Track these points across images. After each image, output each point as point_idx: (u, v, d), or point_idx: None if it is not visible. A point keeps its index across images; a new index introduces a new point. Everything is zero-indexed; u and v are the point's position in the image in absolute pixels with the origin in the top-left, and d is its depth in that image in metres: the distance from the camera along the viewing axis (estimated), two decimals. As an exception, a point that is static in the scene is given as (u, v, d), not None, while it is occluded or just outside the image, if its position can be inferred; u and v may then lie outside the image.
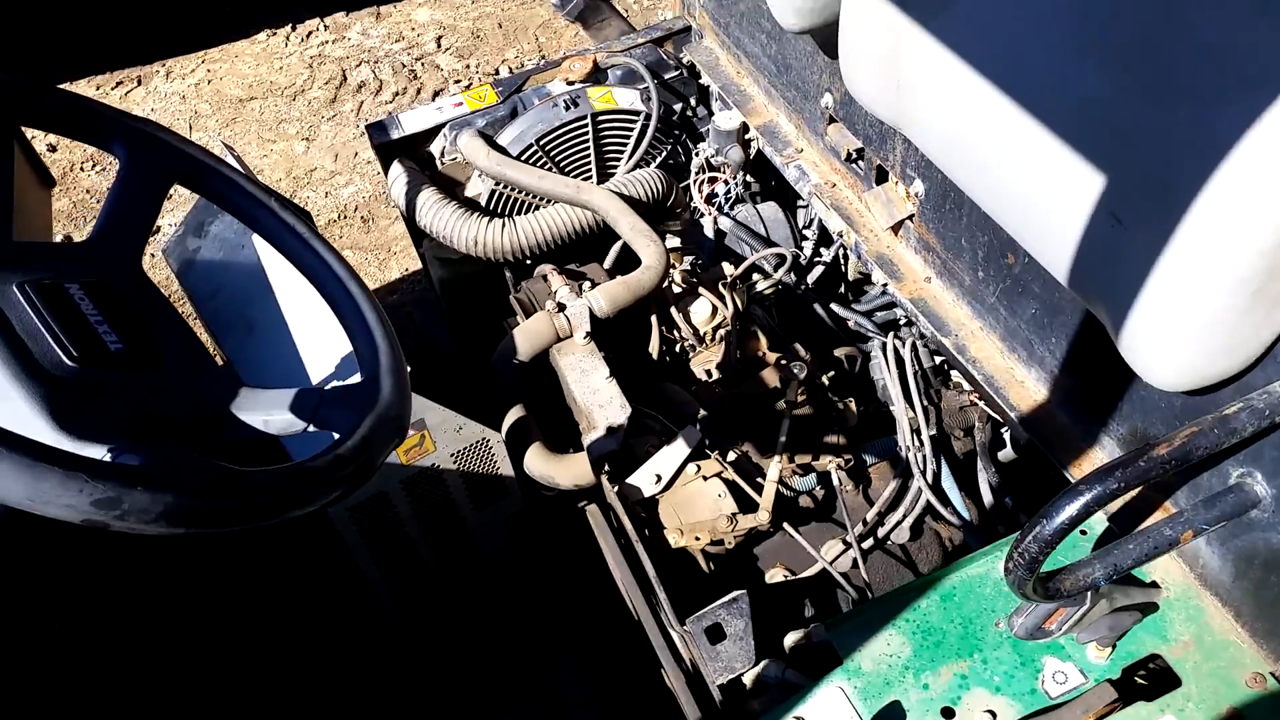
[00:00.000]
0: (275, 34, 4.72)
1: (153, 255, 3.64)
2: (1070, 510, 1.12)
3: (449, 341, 2.73)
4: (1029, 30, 1.29)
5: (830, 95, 2.02)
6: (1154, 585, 1.46)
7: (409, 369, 1.23)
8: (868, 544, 1.96)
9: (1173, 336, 1.20)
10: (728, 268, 2.36)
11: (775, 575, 1.90)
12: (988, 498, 1.95)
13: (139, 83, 4.57)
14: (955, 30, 1.38)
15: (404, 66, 4.45)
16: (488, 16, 4.74)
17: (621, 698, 2.14)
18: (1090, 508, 1.12)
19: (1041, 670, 1.40)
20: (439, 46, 4.57)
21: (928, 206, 1.83)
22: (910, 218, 1.90)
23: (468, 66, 4.43)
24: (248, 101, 4.42)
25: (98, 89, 4.54)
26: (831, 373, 2.12)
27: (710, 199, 2.58)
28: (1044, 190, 1.34)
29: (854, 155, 2.03)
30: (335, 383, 1.93)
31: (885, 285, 1.97)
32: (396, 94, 4.34)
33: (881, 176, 1.96)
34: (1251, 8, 1.04)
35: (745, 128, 2.40)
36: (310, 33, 4.72)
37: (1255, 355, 1.19)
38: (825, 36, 1.89)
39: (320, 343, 1.98)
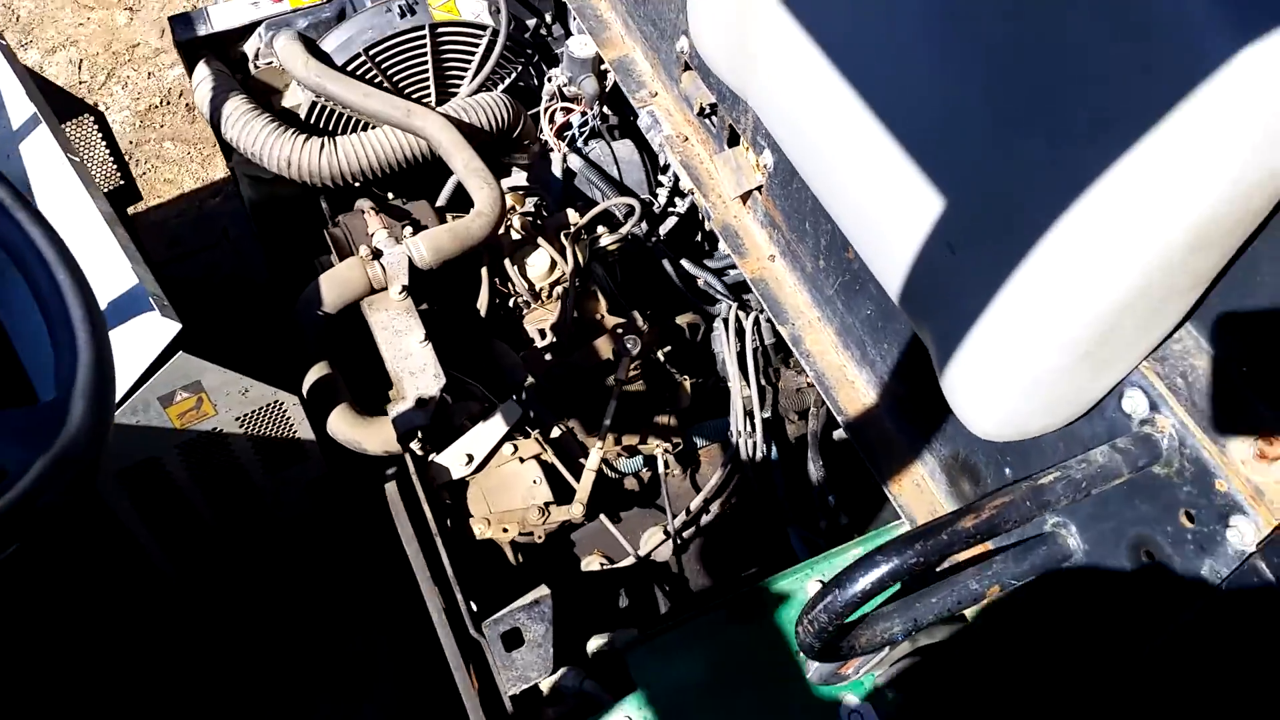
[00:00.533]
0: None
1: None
2: (864, 583, 1.02)
3: (264, 269, 2.46)
4: (884, 18, 1.13)
5: (687, 40, 1.82)
6: (960, 619, 1.41)
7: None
8: (690, 532, 1.87)
9: (994, 387, 1.10)
10: (572, 215, 2.17)
11: (591, 563, 1.79)
12: (815, 488, 1.88)
13: (-70, -84, 3.93)
14: (809, 2, 1.21)
15: (248, -70, 3.95)
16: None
17: (419, 686, 2.04)
18: (885, 581, 1.02)
19: (840, 707, 1.34)
20: (290, -90, 4.07)
21: (775, 181, 1.68)
22: (759, 189, 1.75)
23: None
24: (63, -47, 3.87)
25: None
26: (668, 347, 1.99)
27: (562, 132, 2.36)
28: (880, 196, 1.21)
29: (707, 110, 1.85)
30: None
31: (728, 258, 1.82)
32: (238, -39, 3.87)
33: (734, 139, 1.80)
34: (1113, 33, 0.90)
35: (601, 58, 2.18)
36: (141, -124, 4.14)
37: (1078, 414, 1.11)
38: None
39: (91, 275, 1.72)
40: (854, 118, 1.17)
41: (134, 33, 3.73)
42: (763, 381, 2.01)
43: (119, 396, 1.60)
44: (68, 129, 2.16)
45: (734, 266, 2.23)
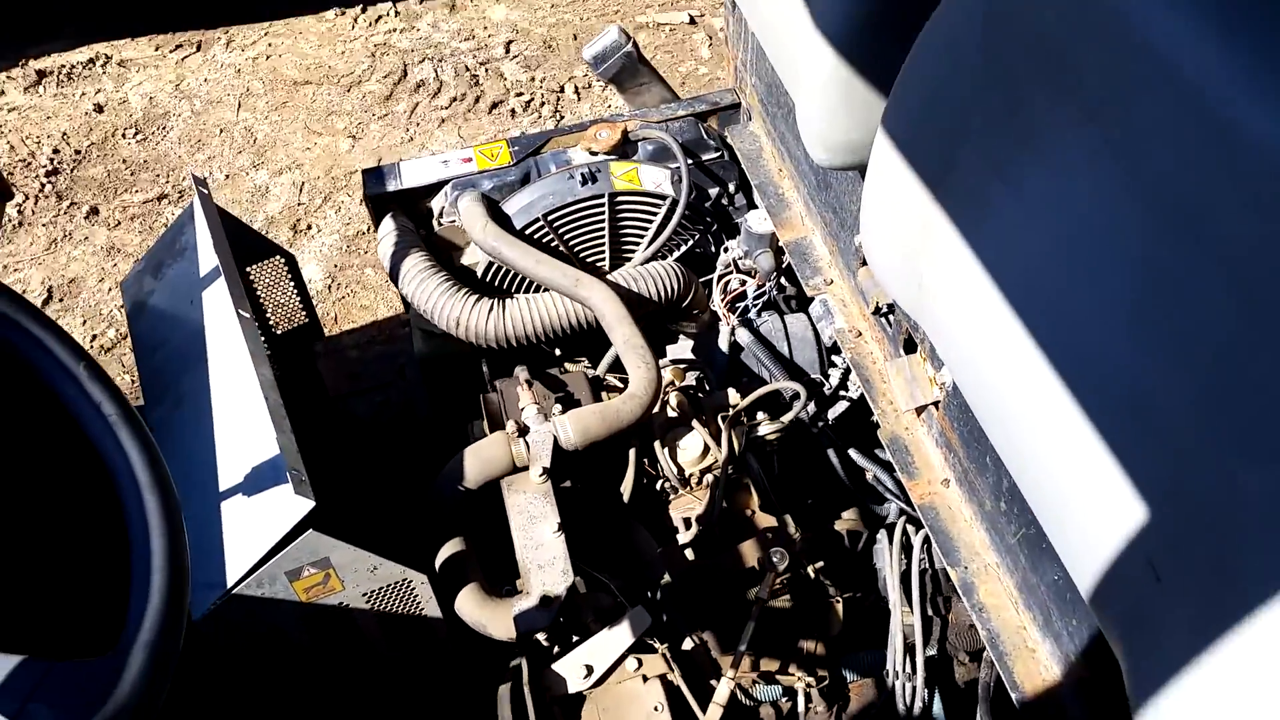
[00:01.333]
0: (344, 14, 4.51)
1: (109, 289, 3.49)
2: None
3: (427, 410, 2.47)
4: (1086, 283, 0.95)
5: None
6: None
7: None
8: (829, 781, 1.64)
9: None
10: (733, 395, 2.04)
11: (710, 806, 1.59)
12: (981, 754, 1.61)
13: (198, 48, 4.41)
14: (989, 248, 1.04)
15: (467, 70, 4.19)
16: (565, 25, 4.44)
17: None
18: None
19: None
20: (507, 52, 4.29)
21: (954, 403, 1.49)
22: (936, 404, 1.56)
23: (533, 79, 4.15)
24: (302, 85, 4.23)
25: (156, 49, 4.40)
26: (821, 563, 1.79)
27: (734, 304, 2.25)
28: (1065, 479, 1.00)
29: (884, 310, 1.69)
30: (239, 495, 1.69)
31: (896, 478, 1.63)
32: (454, 99, 4.09)
33: (910, 346, 1.62)
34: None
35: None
36: (380, 17, 4.50)
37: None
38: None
39: (240, 439, 1.74)
40: (1038, 388, 0.98)
41: (353, 159, 3.98)
42: (929, 611, 1.77)
43: (247, 568, 1.58)
44: (257, 270, 2.26)
45: (908, 465, 2.03)
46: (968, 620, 1.78)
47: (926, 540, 1.81)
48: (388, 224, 2.21)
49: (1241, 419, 0.77)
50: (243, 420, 1.73)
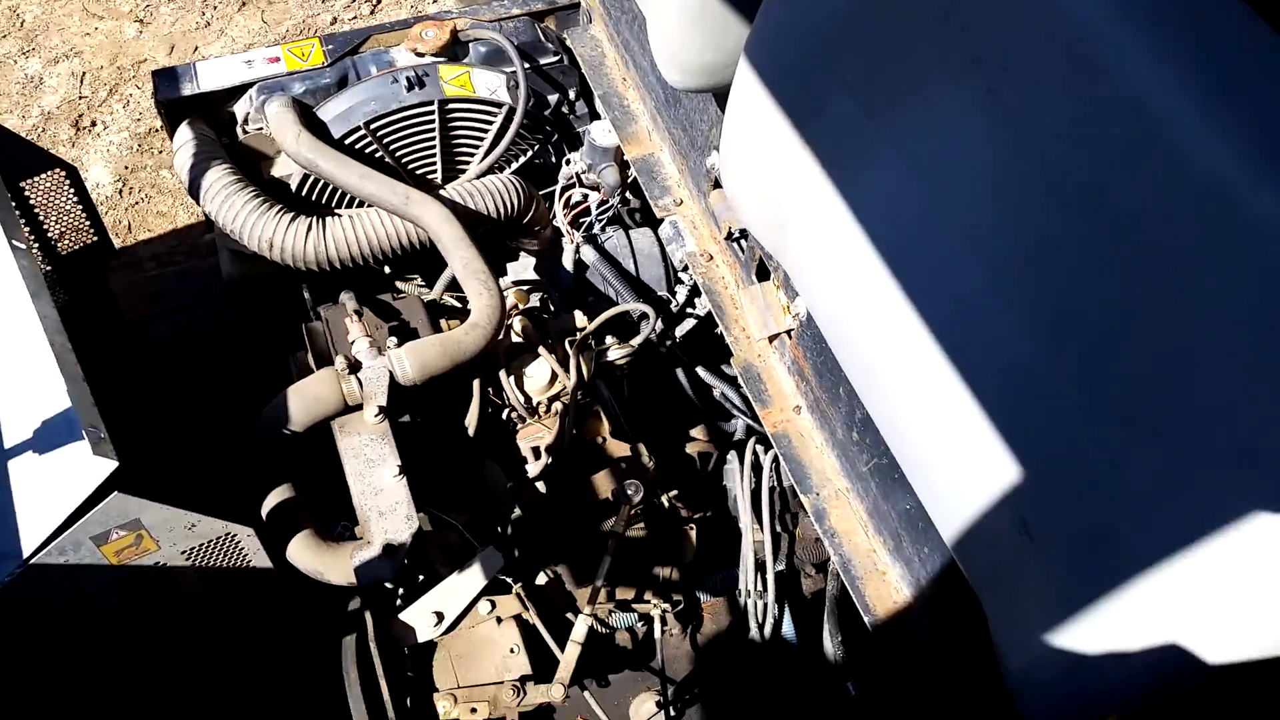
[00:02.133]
0: (120, -125, 3.94)
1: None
2: None
3: (242, 338, 2.26)
4: (956, 235, 0.91)
5: (719, 156, 1.61)
6: None
7: None
8: (686, 701, 1.66)
9: (1065, 706, 0.89)
10: (580, 318, 1.96)
11: (569, 737, 1.59)
12: (832, 667, 1.66)
13: (-60, -90, 3.76)
14: (861, 200, 0.99)
15: (270, -54, 3.77)
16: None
17: None
18: None
19: None
20: (315, -74, 3.88)
21: (808, 332, 1.47)
22: (789, 332, 1.54)
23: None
24: (74, -42, 3.69)
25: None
26: (674, 491, 1.77)
27: (577, 219, 2.15)
28: (933, 429, 0.99)
29: (736, 235, 1.64)
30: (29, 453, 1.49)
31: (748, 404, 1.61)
32: (255, -22, 3.68)
33: (763, 273, 1.58)
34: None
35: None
36: (163, -119, 3.96)
37: None
38: (722, 93, 1.47)
39: (23, 388, 1.53)
40: (908, 343, 0.95)
41: (142, 47, 3.54)
42: (778, 528, 1.80)
43: (43, 537, 1.41)
44: (32, 185, 1.97)
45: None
46: (814, 534, 1.82)
47: (775, 459, 1.82)
48: (184, 133, 1.96)
49: (1128, 391, 0.76)
50: (27, 367, 1.51)
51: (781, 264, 1.25)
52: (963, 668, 1.29)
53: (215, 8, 3.62)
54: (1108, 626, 0.79)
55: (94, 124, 3.36)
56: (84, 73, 3.49)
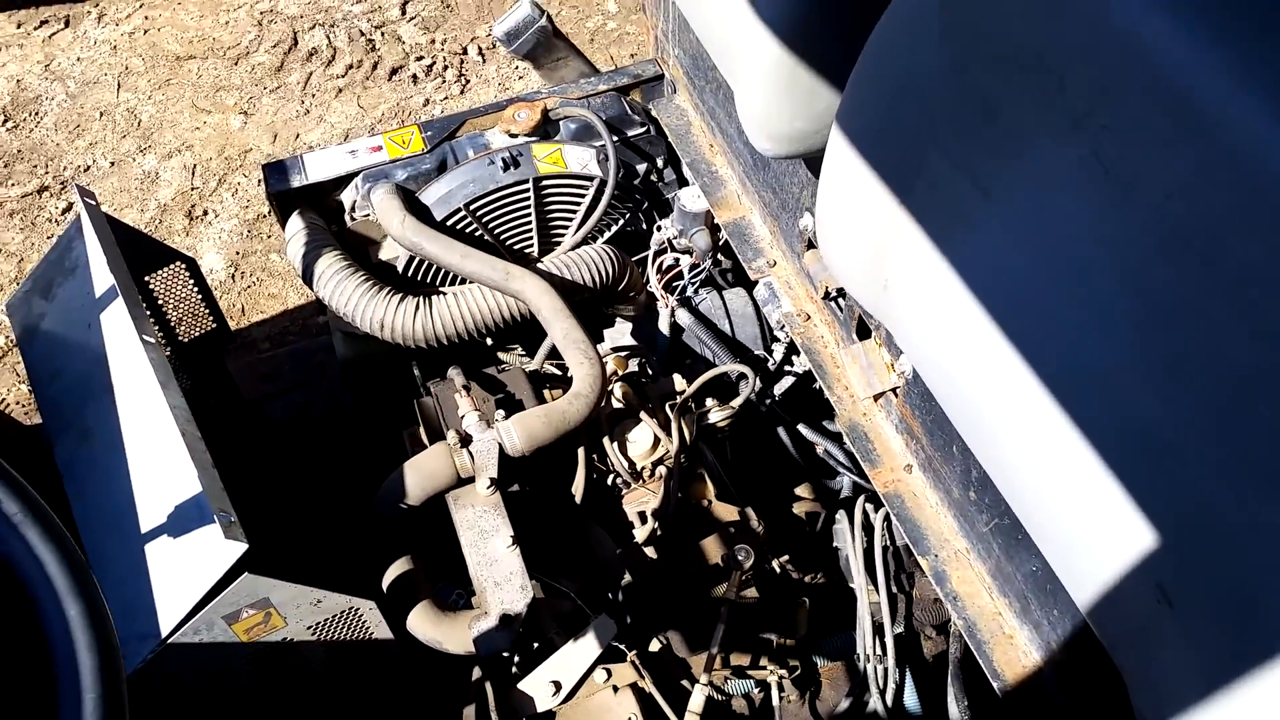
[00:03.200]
0: (225, -19, 4.21)
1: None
2: None
3: (354, 411, 2.34)
4: (1074, 291, 0.90)
5: (811, 218, 1.62)
6: None
7: None
8: (807, 771, 1.63)
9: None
10: (679, 381, 1.98)
11: (692, 810, 1.57)
12: (955, 729, 1.61)
13: (66, 24, 4.07)
14: (967, 258, 0.99)
15: (362, 34, 3.96)
16: (463, -19, 4.24)
17: None
18: None
19: None
20: (403, 14, 4.07)
21: (915, 390, 1.45)
22: (894, 390, 1.53)
23: (433, 41, 3.95)
24: (185, 61, 3.94)
25: (19, 26, 4.05)
26: (785, 556, 1.76)
27: (671, 283, 2.18)
28: (1062, 500, 0.97)
29: (834, 294, 1.64)
30: (164, 537, 1.57)
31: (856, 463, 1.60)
32: (350, 67, 3.87)
33: (864, 331, 1.58)
34: None
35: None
36: (264, -17, 4.22)
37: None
38: (812, 157, 1.49)
39: (156, 474, 1.62)
40: (1027, 406, 0.94)
41: (247, 137, 3.75)
42: (894, 589, 1.76)
43: (179, 617, 1.47)
44: (156, 278, 2.09)
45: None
46: (932, 594, 1.78)
47: (886, 518, 1.79)
48: (295, 222, 2.06)
49: (1261, 448, 0.73)
50: (159, 454, 1.60)
51: (883, 323, 1.24)
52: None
53: (313, 96, 3.81)
54: (1257, 700, 0.75)
55: (206, 213, 3.56)
56: (195, 165, 3.71)
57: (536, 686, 1.57)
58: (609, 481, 1.92)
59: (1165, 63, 0.76)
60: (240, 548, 1.45)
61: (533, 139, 2.08)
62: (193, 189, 3.66)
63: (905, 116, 1.03)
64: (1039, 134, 0.88)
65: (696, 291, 2.19)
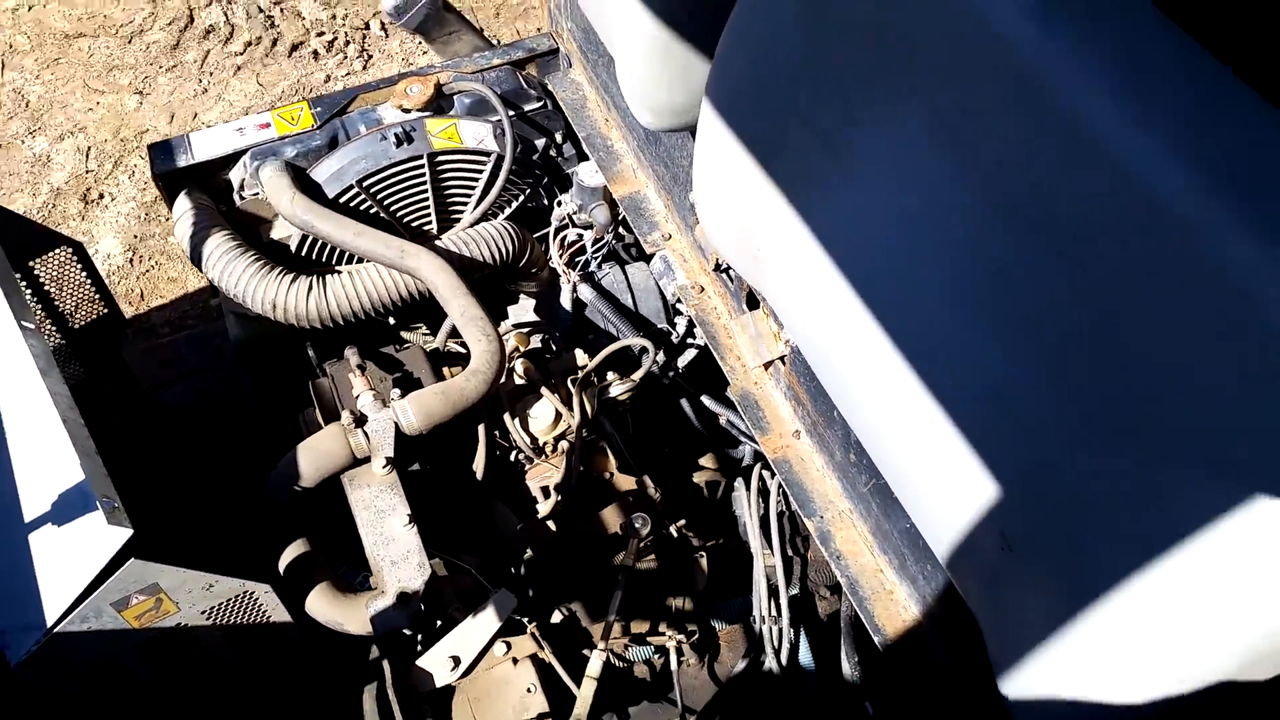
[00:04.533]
0: (115, -46, 4.06)
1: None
2: None
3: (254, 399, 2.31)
4: (922, 263, 0.94)
5: (700, 190, 1.64)
6: None
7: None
8: (706, 731, 1.67)
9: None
10: (581, 356, 1.99)
11: (594, 775, 1.59)
12: (850, 688, 1.67)
13: (-57, 1, 3.89)
14: (826, 230, 1.02)
15: (260, 10, 3.86)
16: (366, -45, 4.15)
17: None
18: None
19: None
20: (305, -12, 3.98)
21: (800, 357, 1.49)
22: (782, 359, 1.56)
23: (334, 16, 3.86)
24: (75, 39, 3.79)
25: (-108, 5, 3.84)
26: (683, 521, 1.79)
27: (574, 258, 2.18)
28: (920, 456, 1.01)
29: (723, 266, 1.66)
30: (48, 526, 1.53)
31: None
32: (249, 44, 3.77)
33: (754, 301, 1.61)
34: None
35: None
36: (156, -44, 4.07)
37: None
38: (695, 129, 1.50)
39: (39, 462, 1.57)
40: (881, 365, 0.97)
41: (143, 118, 3.63)
42: (789, 552, 1.81)
43: (65, 606, 1.45)
44: (42, 264, 2.02)
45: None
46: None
47: (782, 485, 1.83)
48: (183, 203, 2.02)
49: (1087, 405, 0.78)
50: (41, 443, 1.55)
51: (759, 292, 1.27)
52: (977, 683, 1.29)
53: (211, 74, 3.70)
54: (1089, 638, 0.80)
55: (102, 197, 3.44)
56: (89, 147, 3.58)
57: (435, 662, 1.57)
58: (512, 458, 1.93)
59: (1005, 38, 0.80)
60: (125, 533, 1.43)
61: (426, 114, 2.06)
62: (87, 172, 3.53)
63: (767, 86, 1.05)
64: (889, 103, 0.91)
65: (599, 266, 2.20)
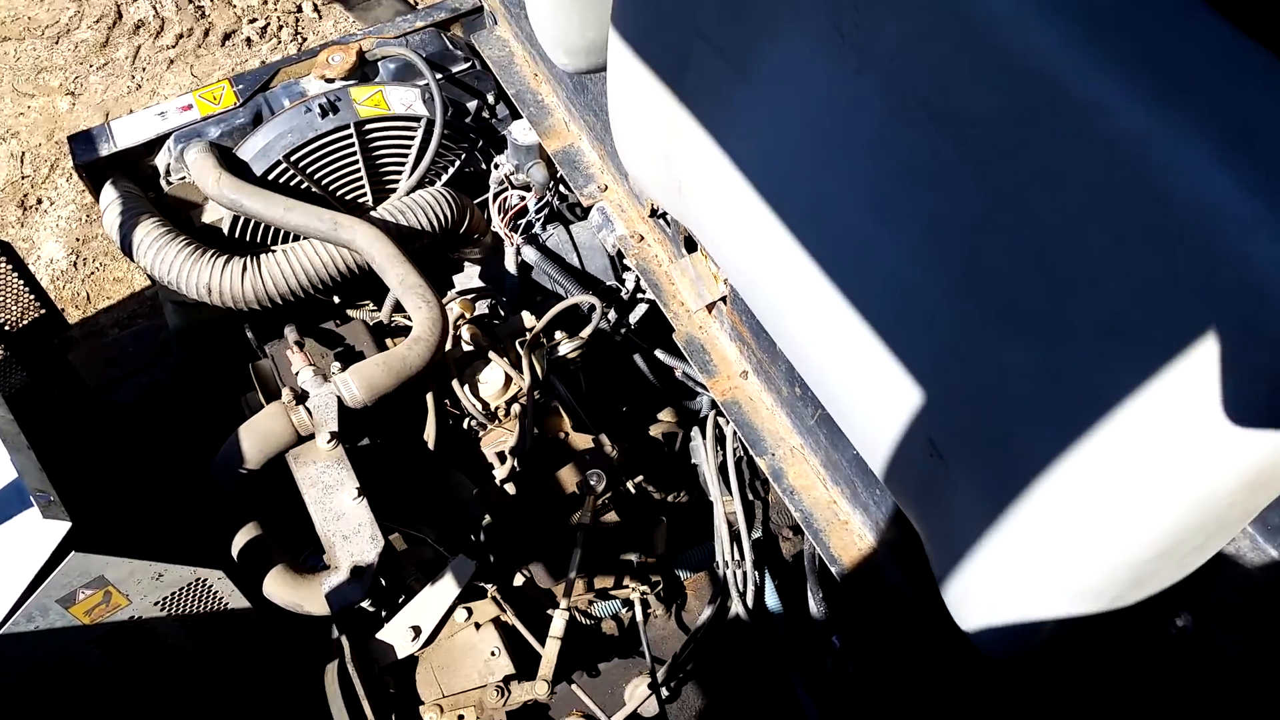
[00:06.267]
0: (33, -46, 3.95)
1: None
2: None
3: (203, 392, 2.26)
4: (831, 173, 0.91)
5: (628, 134, 1.61)
6: None
7: None
8: (678, 680, 1.66)
9: (999, 620, 0.88)
10: (529, 318, 1.96)
11: (567, 732, 1.58)
12: (817, 624, 1.66)
13: None
14: (737, 150, 0.99)
15: (190, 2, 3.77)
16: (294, -63, 4.05)
17: None
18: None
19: None
20: (233, -25, 3.89)
21: (739, 295, 1.46)
22: (723, 299, 1.54)
23: (265, 2, 3.78)
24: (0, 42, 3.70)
25: None
26: (639, 476, 1.77)
27: (515, 220, 2.15)
28: (848, 374, 0.99)
29: (660, 211, 1.63)
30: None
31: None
32: (181, 36, 3.68)
33: (691, 244, 1.58)
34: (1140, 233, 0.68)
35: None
36: (76, -47, 3.97)
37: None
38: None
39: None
40: (802, 282, 0.95)
41: (77, 119, 3.54)
42: (749, 496, 1.79)
43: (8, 607, 1.41)
44: (-30, 269, 1.97)
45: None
46: (786, 499, 1.82)
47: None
48: (109, 193, 1.96)
49: (994, 298, 0.76)
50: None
51: (688, 228, 1.24)
52: (935, 605, 1.28)
53: (144, 69, 3.62)
54: (1017, 531, 0.79)
55: (40, 201, 3.37)
56: (23, 152, 3.50)
57: (395, 634, 1.55)
58: (465, 425, 1.90)
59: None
60: (63, 526, 1.39)
61: (351, 82, 2.01)
62: (23, 178, 3.45)
63: (668, 7, 1.02)
64: (787, 11, 0.88)
65: (543, 228, 2.17)
